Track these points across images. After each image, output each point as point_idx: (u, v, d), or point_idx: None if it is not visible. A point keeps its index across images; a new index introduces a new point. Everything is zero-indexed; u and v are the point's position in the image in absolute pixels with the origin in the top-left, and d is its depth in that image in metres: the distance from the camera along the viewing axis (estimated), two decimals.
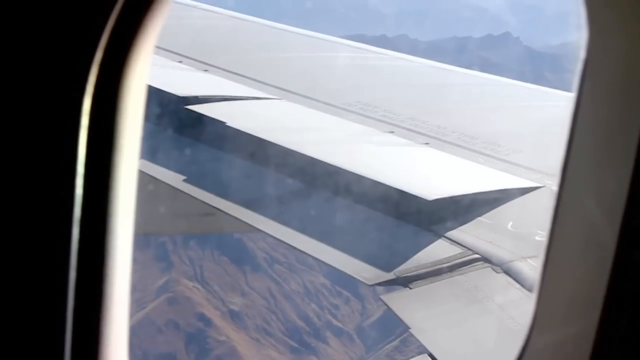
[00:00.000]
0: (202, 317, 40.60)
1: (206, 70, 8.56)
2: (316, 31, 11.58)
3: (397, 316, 4.71)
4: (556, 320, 1.80)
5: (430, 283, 4.78)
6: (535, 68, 65.63)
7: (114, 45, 1.58)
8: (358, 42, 12.45)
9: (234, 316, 41.93)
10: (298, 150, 6.04)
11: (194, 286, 42.73)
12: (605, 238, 1.61)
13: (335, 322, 42.90)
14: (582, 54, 1.66)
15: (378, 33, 69.95)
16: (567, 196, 1.75)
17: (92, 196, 1.63)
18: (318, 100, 7.67)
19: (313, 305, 43.49)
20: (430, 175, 6.08)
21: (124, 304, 1.79)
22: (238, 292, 43.37)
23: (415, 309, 4.68)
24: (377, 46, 11.52)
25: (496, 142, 6.70)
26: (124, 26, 1.59)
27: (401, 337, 39.56)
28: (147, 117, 6.84)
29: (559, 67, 61.86)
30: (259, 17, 12.56)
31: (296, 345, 41.06)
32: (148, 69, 1.72)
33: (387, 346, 40.11)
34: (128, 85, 1.65)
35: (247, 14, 12.48)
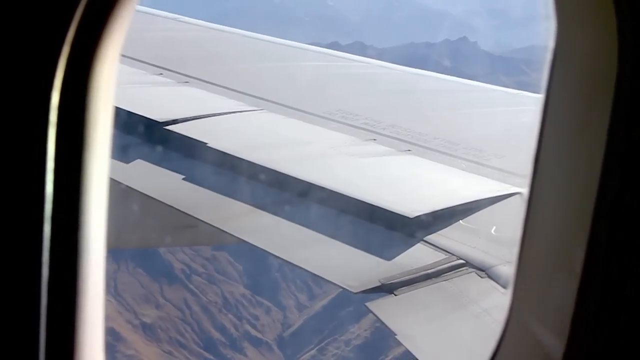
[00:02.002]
0: (112, 331, 39.54)
1: (187, 82, 8.47)
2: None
3: (383, 323, 4.72)
4: (530, 318, 1.83)
5: (416, 289, 4.80)
6: (491, 71, 67.03)
7: (81, 40, 1.56)
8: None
9: (145, 329, 41.06)
10: (280, 170, 5.97)
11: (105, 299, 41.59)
12: (576, 237, 1.64)
13: (254, 332, 42.58)
14: (550, 44, 1.68)
15: (330, 40, 69.70)
16: (538, 195, 1.78)
17: (63, 192, 1.60)
18: (299, 110, 7.62)
19: (231, 316, 43.06)
20: (412, 187, 6.09)
21: (99, 299, 1.77)
22: (152, 304, 42.48)
23: (400, 315, 4.70)
24: None
25: (478, 148, 6.76)
26: (92, 19, 1.56)
27: (319, 347, 39.75)
28: (127, 138, 6.67)
29: (515, 70, 63.39)
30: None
31: (211, 357, 40.56)
32: (117, 63, 1.70)
33: (305, 355, 40.18)
34: (97, 80, 1.63)
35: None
